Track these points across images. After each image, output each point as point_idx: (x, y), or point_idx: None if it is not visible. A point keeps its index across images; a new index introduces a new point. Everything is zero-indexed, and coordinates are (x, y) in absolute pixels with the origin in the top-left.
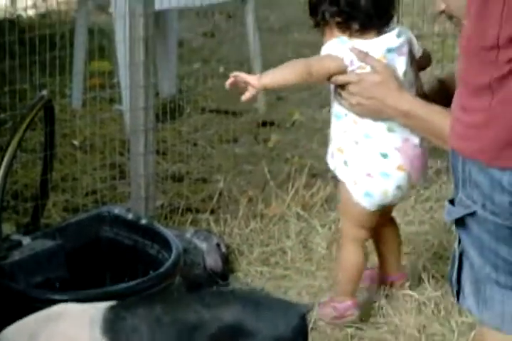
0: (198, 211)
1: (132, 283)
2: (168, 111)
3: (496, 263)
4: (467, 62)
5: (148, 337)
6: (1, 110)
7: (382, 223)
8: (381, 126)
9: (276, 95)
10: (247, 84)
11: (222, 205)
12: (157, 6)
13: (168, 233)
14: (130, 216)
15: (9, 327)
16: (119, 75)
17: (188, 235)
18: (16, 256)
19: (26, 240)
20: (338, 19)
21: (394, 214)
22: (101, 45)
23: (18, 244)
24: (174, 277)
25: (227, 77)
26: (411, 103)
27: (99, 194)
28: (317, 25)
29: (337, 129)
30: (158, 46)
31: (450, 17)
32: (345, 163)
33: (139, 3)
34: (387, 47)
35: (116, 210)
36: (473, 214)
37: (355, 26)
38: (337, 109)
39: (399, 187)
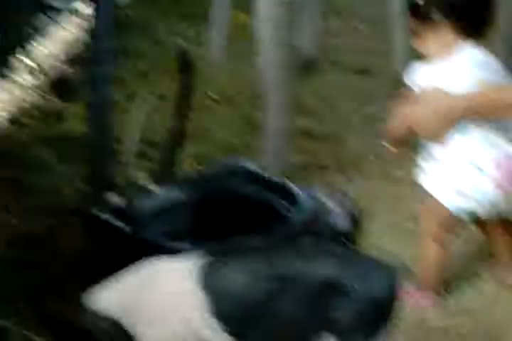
0: (330, 170)
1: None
2: (305, 68)
3: None
4: None
5: (245, 288)
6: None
7: (502, 233)
8: (483, 142)
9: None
10: None
11: (354, 165)
12: None
13: (299, 190)
14: (262, 171)
15: (107, 290)
16: (259, 29)
17: (318, 194)
18: (147, 204)
19: (157, 189)
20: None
21: None
22: None
23: (150, 193)
24: (302, 235)
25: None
26: (465, 98)
27: (233, 147)
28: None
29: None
30: (299, 2)
31: None
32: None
33: None
34: (474, 62)
35: (249, 165)
36: None
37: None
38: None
39: (493, 205)
